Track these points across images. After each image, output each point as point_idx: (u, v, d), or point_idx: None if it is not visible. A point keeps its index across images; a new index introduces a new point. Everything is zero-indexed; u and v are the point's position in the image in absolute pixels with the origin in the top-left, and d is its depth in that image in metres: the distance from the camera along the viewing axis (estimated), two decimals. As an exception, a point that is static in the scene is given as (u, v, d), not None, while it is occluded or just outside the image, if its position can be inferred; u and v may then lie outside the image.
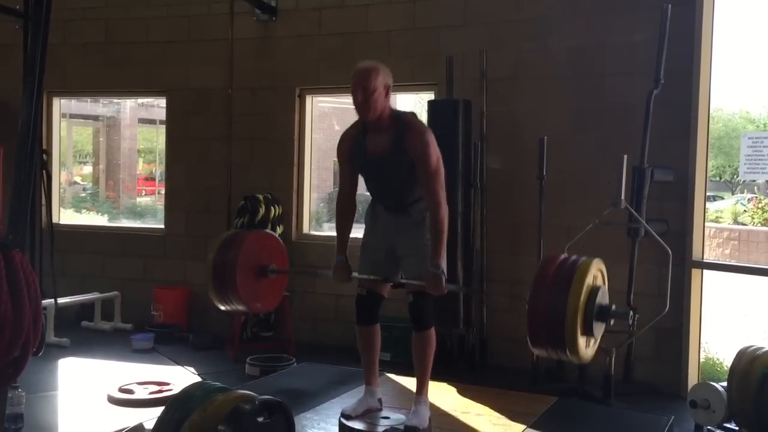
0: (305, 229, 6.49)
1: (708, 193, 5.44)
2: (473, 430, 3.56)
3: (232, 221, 6.19)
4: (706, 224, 5.60)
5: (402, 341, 5.01)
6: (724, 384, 4.04)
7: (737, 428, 4.02)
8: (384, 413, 3.54)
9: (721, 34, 5.24)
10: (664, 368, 5.12)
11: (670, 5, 4.77)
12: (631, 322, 3.29)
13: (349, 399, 3.74)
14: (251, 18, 6.42)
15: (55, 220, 7.13)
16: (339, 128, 9.77)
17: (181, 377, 5.02)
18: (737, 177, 19.99)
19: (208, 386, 2.73)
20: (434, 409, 3.62)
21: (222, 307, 3.79)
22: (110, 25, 6.88)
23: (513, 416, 3.72)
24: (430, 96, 6.00)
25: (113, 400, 4.50)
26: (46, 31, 3.03)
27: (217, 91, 6.54)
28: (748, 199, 16.27)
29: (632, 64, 5.20)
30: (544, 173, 5.10)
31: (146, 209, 13.98)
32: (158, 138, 14.73)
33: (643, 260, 4.94)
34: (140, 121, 16.30)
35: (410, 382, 3.78)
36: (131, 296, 6.64)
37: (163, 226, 6.94)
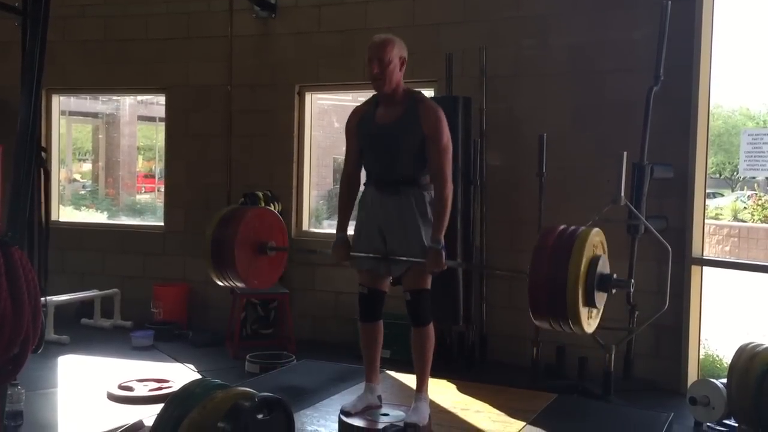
0: (305, 226, 6.49)
1: (708, 190, 5.44)
2: (473, 427, 3.56)
3: (231, 218, 6.19)
4: (706, 221, 5.60)
5: (402, 338, 4.99)
6: (724, 381, 4.05)
7: (737, 425, 4.02)
8: (384, 410, 3.54)
9: (721, 31, 5.24)
10: (664, 365, 5.13)
11: (670, 2, 4.76)
12: (631, 290, 3.21)
13: (348, 396, 3.74)
14: (250, 15, 6.41)
15: (54, 217, 7.14)
16: (338, 125, 9.75)
17: (180, 374, 5.03)
18: (737, 174, 19.98)
19: (208, 383, 2.73)
20: (434, 405, 3.62)
21: (220, 283, 3.75)
22: (109, 22, 6.87)
23: (513, 413, 3.72)
24: (429, 93, 5.98)
25: (113, 397, 4.50)
26: (45, 29, 3.03)
27: (216, 89, 6.54)
28: (748, 196, 16.27)
29: (632, 61, 5.20)
30: (544, 170, 5.09)
31: (146, 206, 13.96)
32: (158, 135, 14.70)
33: (643, 257, 4.94)
34: (140, 119, 16.27)
35: (410, 379, 3.78)
36: (131, 293, 6.64)
37: (162, 224, 6.94)
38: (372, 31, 5.92)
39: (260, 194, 6.10)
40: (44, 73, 3.08)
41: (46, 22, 3.03)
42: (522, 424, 3.58)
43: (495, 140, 5.56)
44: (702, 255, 5.14)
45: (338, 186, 3.64)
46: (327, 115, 11.35)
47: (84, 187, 15.44)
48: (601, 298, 3.06)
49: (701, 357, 5.38)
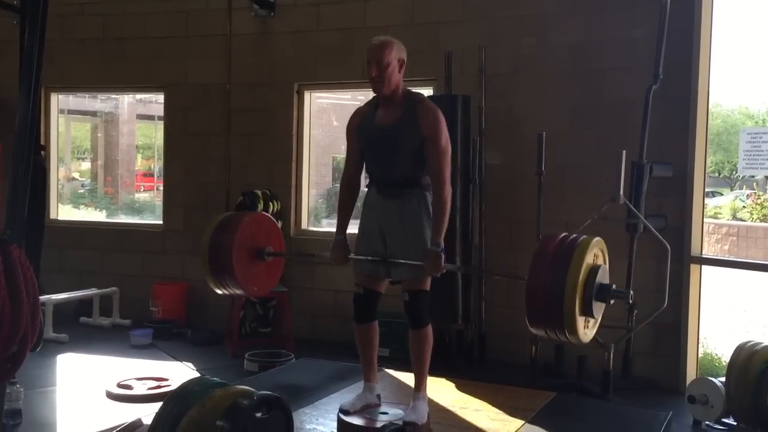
0: (304, 225, 6.49)
1: (707, 189, 5.45)
2: (472, 425, 3.56)
3: (230, 217, 6.19)
4: (705, 220, 5.61)
5: (400, 337, 4.99)
6: (723, 379, 4.05)
7: (735, 423, 4.03)
8: (382, 409, 3.54)
9: (720, 30, 5.24)
10: (663, 363, 5.13)
11: (669, 0, 4.76)
12: (630, 301, 3.18)
13: (347, 394, 3.74)
14: (249, 13, 6.41)
15: (53, 216, 7.15)
16: (338, 124, 9.76)
17: (179, 373, 5.03)
18: (736, 173, 20.00)
19: (207, 382, 2.73)
20: (433, 404, 3.62)
21: (218, 291, 3.74)
22: (108, 21, 6.87)
23: (511, 411, 3.72)
24: (428, 91, 5.98)
25: (112, 396, 4.50)
26: (43, 27, 3.02)
27: (215, 87, 6.54)
28: (747, 194, 16.28)
29: (631, 60, 5.20)
30: (543, 169, 5.09)
31: (145, 205, 13.96)
32: (156, 134, 14.69)
33: (642, 256, 4.94)
34: (138, 117, 16.27)
35: (409, 378, 3.78)
36: (130, 292, 6.64)
37: (161, 222, 6.93)
38: (371, 30, 5.99)
39: (259, 193, 6.10)
40: (43, 72, 3.06)
41: (45, 20, 3.02)
42: (521, 422, 3.58)
43: (494, 139, 5.56)
44: (701, 254, 5.14)
45: (337, 185, 3.64)
46: (326, 113, 11.36)
47: (83, 185, 15.44)
48: (599, 308, 3.03)
49: (700, 355, 5.38)
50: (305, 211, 6.51)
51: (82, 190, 14.96)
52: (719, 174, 21.46)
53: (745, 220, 13.91)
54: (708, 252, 8.75)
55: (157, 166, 14.43)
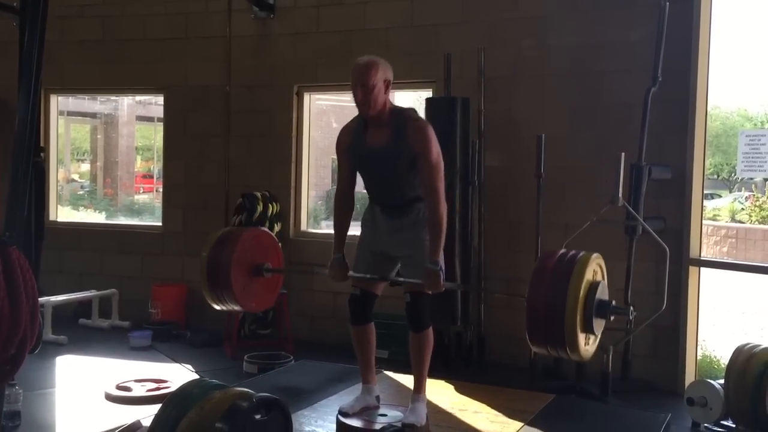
0: (303, 227, 6.49)
1: (705, 191, 5.45)
2: (471, 427, 3.56)
3: (229, 219, 6.20)
4: (704, 222, 5.61)
5: (399, 339, 5.00)
6: (721, 381, 4.05)
7: (734, 426, 4.03)
8: (381, 411, 3.54)
9: (719, 32, 5.25)
10: (662, 366, 5.13)
11: (668, 3, 4.77)
12: (630, 317, 3.24)
13: (346, 396, 3.74)
14: (249, 15, 6.41)
15: (52, 217, 7.14)
16: (337, 126, 9.73)
17: (178, 374, 5.02)
18: (735, 175, 19.99)
19: (206, 383, 2.73)
20: (432, 406, 3.63)
21: (216, 306, 3.76)
22: (108, 22, 6.87)
23: (510, 413, 3.72)
24: (428, 93, 6.00)
25: (111, 398, 4.50)
26: (43, 28, 3.02)
27: (214, 89, 6.54)
28: (746, 197, 16.28)
29: (630, 62, 5.20)
30: (542, 171, 5.09)
31: (144, 207, 13.96)
32: (156, 135, 14.69)
33: (641, 258, 4.94)
34: (138, 119, 16.28)
35: (408, 380, 3.78)
36: (129, 294, 6.64)
37: (160, 224, 6.93)
38: (371, 32, 6.02)
39: (258, 194, 6.10)
40: (42, 73, 3.07)
41: (45, 21, 3.03)
42: (520, 424, 3.58)
43: (493, 141, 5.56)
44: (699, 256, 5.14)
45: (336, 184, 3.63)
46: (325, 115, 11.37)
47: (82, 187, 15.45)
48: (599, 324, 3.04)
49: (699, 358, 5.38)
50: (304, 212, 6.51)
51: (81, 192, 14.98)
52: (718, 176, 21.47)
53: (743, 222, 13.91)
54: (707, 254, 8.75)
55: (156, 167, 14.43)
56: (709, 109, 5.23)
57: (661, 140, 4.99)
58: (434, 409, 3.67)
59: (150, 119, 15.13)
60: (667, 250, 4.54)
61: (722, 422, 4.15)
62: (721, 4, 5.39)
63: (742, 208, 15.26)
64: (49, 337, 5.68)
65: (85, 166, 16.61)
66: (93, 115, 15.47)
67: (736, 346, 4.01)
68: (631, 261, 4.93)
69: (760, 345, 3.93)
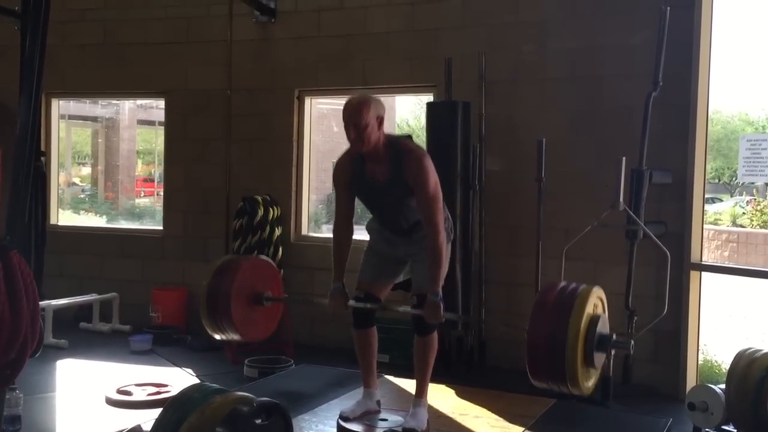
0: (304, 231, 6.49)
1: (706, 196, 5.44)
2: (471, 432, 3.56)
3: (230, 222, 6.19)
4: (705, 226, 5.61)
5: (401, 343, 5.00)
6: (723, 386, 4.04)
7: (735, 431, 4.02)
8: (382, 415, 3.55)
9: (720, 37, 5.25)
10: (663, 370, 5.12)
11: (669, 7, 4.77)
12: (630, 351, 3.24)
13: (347, 401, 3.74)
14: (250, 19, 6.42)
15: (53, 221, 7.14)
16: (338, 129, 9.76)
17: (179, 379, 5.02)
18: (736, 179, 19.99)
19: (207, 388, 2.73)
20: (432, 410, 3.62)
21: (216, 336, 3.75)
22: (109, 27, 6.88)
23: (511, 418, 3.72)
24: (428, 98, 6.00)
25: (111, 402, 4.49)
26: (44, 33, 3.04)
27: (215, 93, 6.54)
28: (747, 201, 16.28)
29: (631, 67, 5.20)
30: (543, 175, 5.09)
31: (145, 210, 13.97)
32: (157, 139, 14.74)
33: (642, 262, 4.93)
34: (139, 123, 16.32)
35: (409, 384, 3.78)
36: (129, 297, 6.64)
37: (161, 228, 6.94)
38: (372, 36, 6.02)
39: (259, 198, 6.10)
40: (44, 77, 3.08)
41: (46, 26, 3.04)
42: (521, 429, 3.58)
43: (494, 145, 5.56)
44: (701, 260, 5.13)
45: (335, 213, 3.62)
46: (326, 119, 11.38)
47: (83, 191, 15.48)
48: (599, 358, 3.06)
49: (700, 362, 5.38)
50: (305, 216, 6.51)
51: (82, 196, 15.00)
52: (719, 180, 21.47)
53: (744, 227, 13.91)
54: (708, 258, 8.76)
55: (157, 171, 14.46)
56: (710, 113, 5.23)
57: (661, 144, 4.98)
58: (435, 414, 3.67)
59: (151, 123, 15.16)
60: (668, 254, 4.53)
61: (723, 427, 4.14)
62: (723, 9, 5.39)
63: (743, 213, 15.26)
64: (49, 341, 5.68)
65: (86, 170, 16.64)
66: (94, 119, 15.50)
67: (737, 351, 3.99)
68: (632, 265, 4.92)
69: (761, 350, 3.91)
